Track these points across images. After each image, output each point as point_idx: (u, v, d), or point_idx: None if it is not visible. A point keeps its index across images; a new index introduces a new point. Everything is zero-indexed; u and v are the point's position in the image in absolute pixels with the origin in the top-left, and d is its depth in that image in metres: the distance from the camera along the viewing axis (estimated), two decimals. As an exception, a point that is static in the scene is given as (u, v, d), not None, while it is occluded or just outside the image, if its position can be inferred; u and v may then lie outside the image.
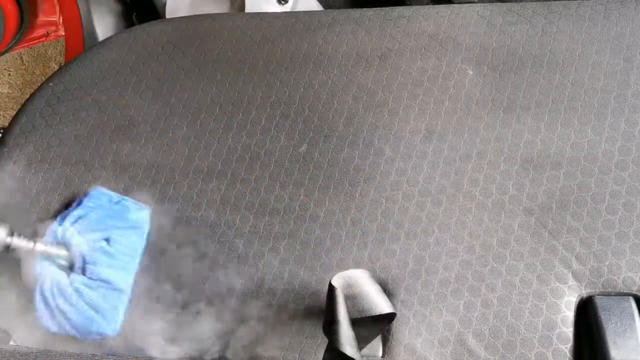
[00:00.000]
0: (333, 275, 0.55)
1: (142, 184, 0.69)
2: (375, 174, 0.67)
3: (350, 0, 1.16)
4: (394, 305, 0.61)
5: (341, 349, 0.50)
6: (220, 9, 1.02)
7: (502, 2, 0.82)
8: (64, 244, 0.64)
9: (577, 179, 0.64)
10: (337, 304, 0.53)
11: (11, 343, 0.61)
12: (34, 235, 0.62)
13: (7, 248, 0.59)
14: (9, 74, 1.44)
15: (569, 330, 0.59)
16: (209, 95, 0.74)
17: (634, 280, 0.60)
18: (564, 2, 0.74)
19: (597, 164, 0.65)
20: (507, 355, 0.58)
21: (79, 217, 0.66)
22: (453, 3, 0.87)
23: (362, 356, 0.57)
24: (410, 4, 0.99)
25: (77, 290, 0.62)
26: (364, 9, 0.77)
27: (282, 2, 1.00)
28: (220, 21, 0.79)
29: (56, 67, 1.43)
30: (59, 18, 1.19)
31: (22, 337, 0.62)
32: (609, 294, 0.60)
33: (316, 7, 1.08)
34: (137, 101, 0.75)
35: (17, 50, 1.34)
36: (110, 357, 0.60)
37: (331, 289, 0.54)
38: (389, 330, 0.60)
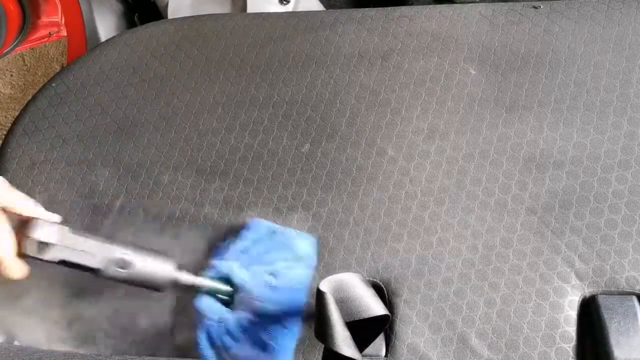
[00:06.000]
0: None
1: (145, 184, 0.70)
2: (377, 174, 0.67)
3: (352, 0, 1.16)
4: (396, 304, 0.61)
5: (339, 351, 0.49)
6: (222, 9, 1.02)
7: (504, 1, 0.82)
8: (228, 280, 0.59)
9: (579, 178, 0.64)
10: (327, 307, 0.52)
11: (16, 343, 0.62)
12: (196, 270, 0.59)
13: (174, 283, 0.57)
14: (11, 75, 1.44)
15: (572, 330, 0.59)
16: (211, 96, 0.74)
17: (637, 280, 0.60)
18: (566, 1, 0.74)
19: (599, 163, 0.65)
20: (510, 355, 0.58)
21: (242, 251, 0.62)
22: (455, 3, 0.87)
23: (365, 356, 0.57)
24: (412, 4, 0.99)
25: (244, 329, 0.57)
26: (366, 9, 0.78)
27: (284, 2, 1.00)
28: (222, 21, 0.79)
29: (58, 68, 1.43)
30: (61, 19, 1.19)
31: (26, 337, 0.62)
32: (611, 293, 0.60)
33: (318, 7, 1.08)
34: (140, 101, 0.75)
35: (19, 51, 1.34)
36: (113, 357, 0.60)
37: (320, 293, 0.53)
38: (392, 330, 0.60)
